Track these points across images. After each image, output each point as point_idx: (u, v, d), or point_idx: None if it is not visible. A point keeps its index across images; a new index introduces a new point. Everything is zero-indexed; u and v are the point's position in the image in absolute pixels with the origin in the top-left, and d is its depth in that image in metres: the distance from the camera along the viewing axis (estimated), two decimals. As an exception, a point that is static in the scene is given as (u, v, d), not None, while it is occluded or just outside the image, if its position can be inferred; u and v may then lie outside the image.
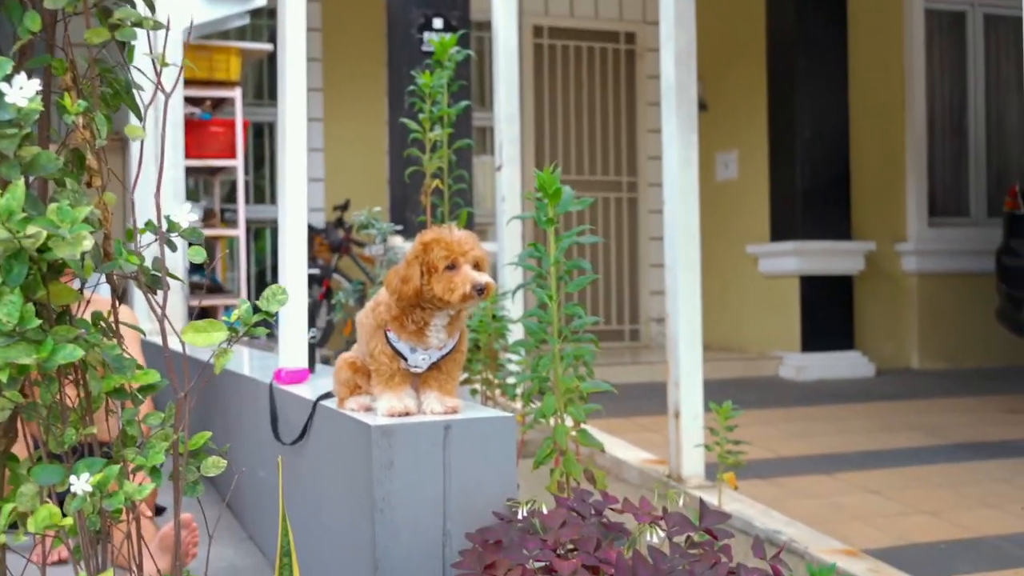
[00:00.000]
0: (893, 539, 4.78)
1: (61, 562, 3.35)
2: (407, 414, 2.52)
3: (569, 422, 2.89)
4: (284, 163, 3.46)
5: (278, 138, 3.51)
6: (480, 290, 2.44)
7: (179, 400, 1.52)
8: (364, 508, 2.47)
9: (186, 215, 1.56)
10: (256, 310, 1.55)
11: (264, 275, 9.63)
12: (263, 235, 9.82)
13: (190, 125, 7.70)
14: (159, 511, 3.92)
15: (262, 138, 9.90)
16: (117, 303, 1.78)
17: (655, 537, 2.29)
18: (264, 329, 1.53)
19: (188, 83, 7.57)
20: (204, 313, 8.38)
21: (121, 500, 1.43)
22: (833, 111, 9.02)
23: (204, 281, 8.04)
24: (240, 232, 8.02)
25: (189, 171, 7.71)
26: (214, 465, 1.59)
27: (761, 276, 9.40)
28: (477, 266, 2.49)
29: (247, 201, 9.59)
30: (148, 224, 1.71)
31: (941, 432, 6.83)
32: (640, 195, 10.42)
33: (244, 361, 4.37)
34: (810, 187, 8.95)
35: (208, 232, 8.04)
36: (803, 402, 7.82)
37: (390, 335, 2.51)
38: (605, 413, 7.16)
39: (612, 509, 2.40)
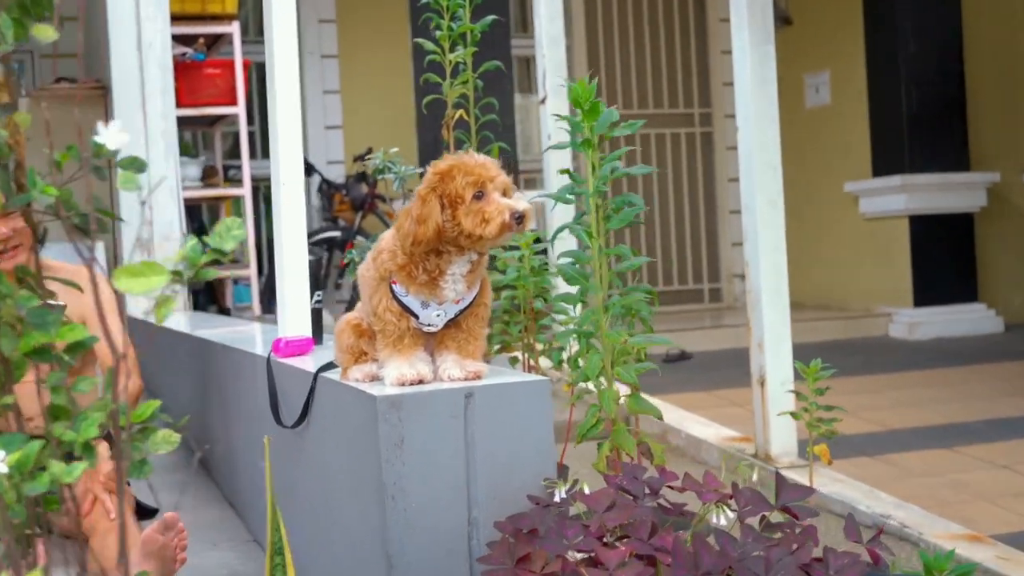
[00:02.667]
0: (1025, 521, 4.66)
1: None
2: (420, 382, 2.43)
3: (624, 389, 2.80)
4: (273, 93, 3.39)
5: (266, 68, 3.44)
6: (519, 218, 2.34)
7: (117, 361, 1.45)
8: (373, 495, 2.40)
9: (116, 135, 1.47)
10: (207, 248, 1.46)
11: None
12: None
13: (181, 68, 7.66)
14: (149, 512, 3.89)
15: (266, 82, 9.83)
16: (39, 251, 1.70)
17: (723, 519, 2.20)
18: (214, 271, 1.45)
19: (177, 19, 7.51)
20: (209, 287, 8.38)
21: (46, 483, 1.36)
22: (943, 19, 8.80)
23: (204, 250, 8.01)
24: (246, 191, 7.99)
25: (183, 121, 7.67)
26: (165, 440, 1.51)
27: (863, 219, 9.23)
28: (504, 193, 2.40)
29: (254, 155, 9.56)
30: (70, 149, 1.63)
31: (1084, 396, 6.67)
32: (716, 129, 10.25)
33: (256, 338, 4.33)
34: (918, 111, 8.75)
35: (209, 192, 8.02)
36: (917, 365, 7.68)
37: (396, 288, 2.43)
38: (682, 385, 7.07)
39: (671, 487, 2.31)
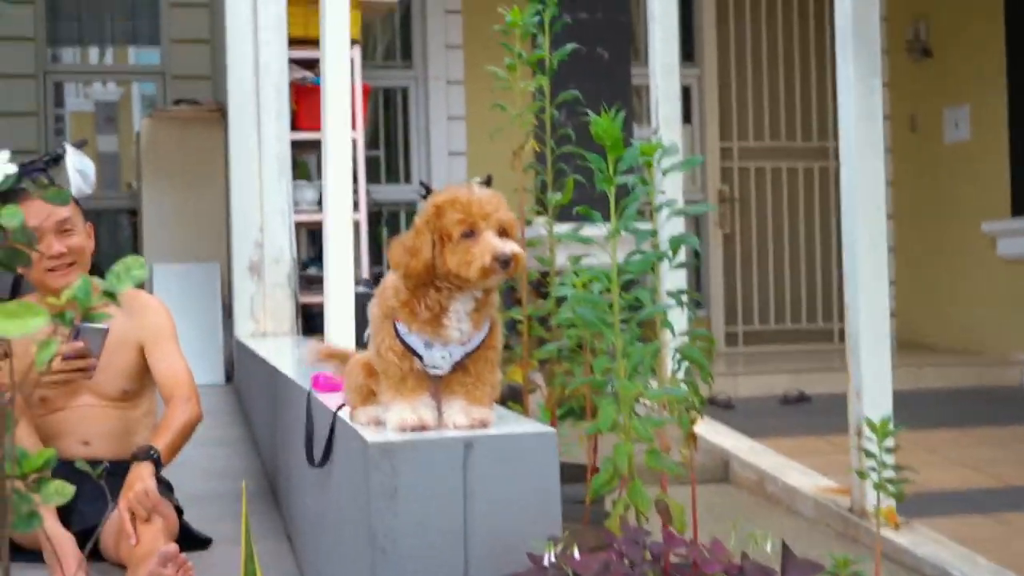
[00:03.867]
0: None
1: None
2: (423, 428, 2.31)
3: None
4: (325, 124, 3.30)
5: (321, 96, 3.36)
6: (505, 262, 2.21)
7: (3, 403, 1.35)
8: (364, 545, 2.27)
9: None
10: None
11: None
12: (397, 219, 9.78)
13: (300, 92, 7.67)
14: (201, 543, 3.83)
15: (392, 107, 9.85)
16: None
17: (726, 592, 2.02)
18: (107, 314, 1.34)
19: (298, 42, 7.53)
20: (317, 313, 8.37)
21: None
22: (1091, 52, 8.40)
23: (322, 274, 8.01)
24: (361, 216, 7.96)
25: (302, 145, 7.68)
26: (57, 492, 1.41)
27: (1000, 261, 8.83)
28: (504, 233, 2.27)
29: (376, 180, 9.57)
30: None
31: None
32: (851, 164, 9.95)
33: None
34: (1061, 148, 8.36)
35: (321, 216, 8.01)
36: (1050, 418, 7.29)
37: (399, 327, 2.31)
38: (796, 429, 6.81)
39: (676, 554, 2.13)
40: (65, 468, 2.96)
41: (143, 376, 3.77)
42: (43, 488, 1.42)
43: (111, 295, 1.36)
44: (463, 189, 2.28)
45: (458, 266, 2.21)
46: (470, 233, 2.23)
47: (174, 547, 3.03)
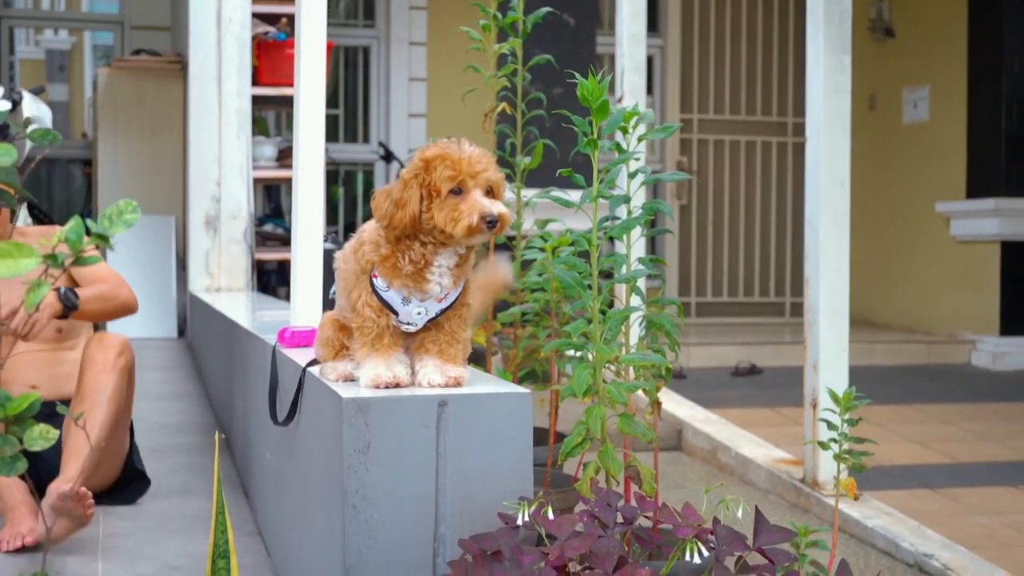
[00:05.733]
0: (1089, 572, 4.40)
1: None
2: (397, 385, 2.30)
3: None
4: (298, 71, 3.27)
5: (295, 51, 3.32)
6: (491, 222, 2.20)
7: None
8: (336, 502, 2.27)
9: (-3, 99, 1.34)
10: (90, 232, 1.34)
11: (354, 228, 9.55)
12: (354, 179, 9.73)
13: (262, 47, 7.58)
14: (141, 475, 3.86)
15: (355, 65, 9.79)
16: None
17: (697, 556, 2.03)
18: (96, 257, 1.33)
19: (259, -4, 7.45)
20: (282, 268, 8.32)
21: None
22: (1051, 37, 8.46)
23: (278, 231, 7.96)
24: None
25: (262, 101, 7.62)
26: (42, 436, 1.39)
27: (954, 241, 8.91)
28: (491, 192, 2.26)
29: (335, 139, 9.51)
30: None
31: None
32: (809, 140, 10.00)
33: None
34: (1018, 131, 8.43)
35: (283, 173, 7.95)
36: (996, 397, 7.39)
37: (377, 283, 2.29)
38: (747, 401, 6.86)
39: (647, 517, 2.14)
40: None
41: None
42: (27, 431, 1.41)
43: (103, 238, 1.34)
44: (453, 145, 2.26)
45: (445, 222, 2.20)
46: (458, 190, 2.22)
47: (82, 491, 3.13)
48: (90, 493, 3.23)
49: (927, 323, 9.22)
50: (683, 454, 5.90)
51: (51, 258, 1.32)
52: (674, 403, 6.25)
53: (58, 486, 3.20)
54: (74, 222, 1.36)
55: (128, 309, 3.75)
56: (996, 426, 6.61)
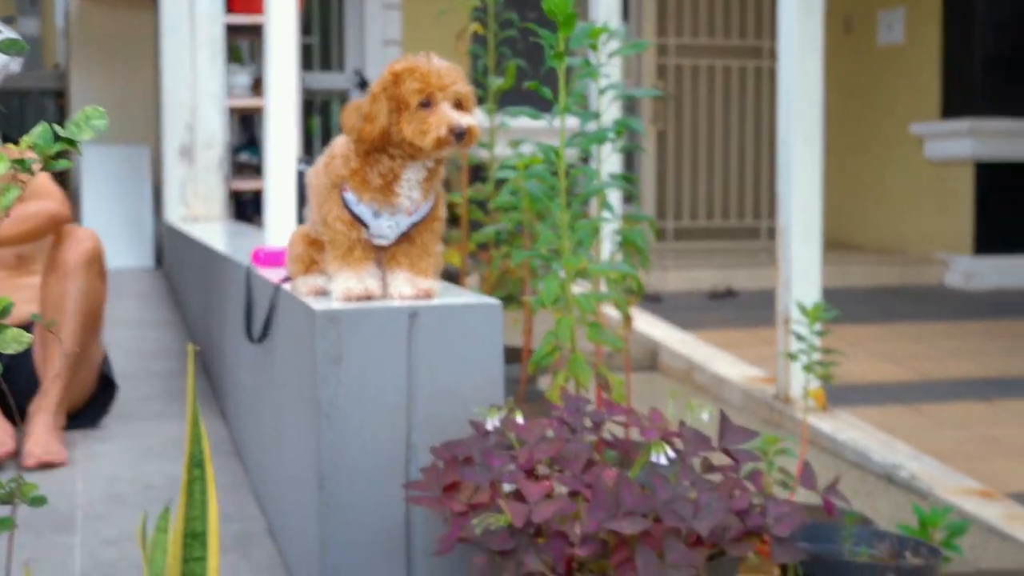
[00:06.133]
0: (1053, 481, 4.49)
1: None
2: (368, 298, 2.33)
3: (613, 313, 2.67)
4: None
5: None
6: (460, 134, 2.23)
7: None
8: (310, 413, 2.31)
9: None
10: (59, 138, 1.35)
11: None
12: (330, 109, 9.70)
13: (234, -26, 7.55)
14: (111, 384, 3.87)
15: (328, -6, 9.73)
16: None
17: (664, 458, 2.07)
18: (67, 162, 1.34)
19: (231, -77, 7.39)
20: (259, 198, 8.31)
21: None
22: (1025, -43, 8.44)
23: (254, 161, 7.95)
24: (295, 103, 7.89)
25: (237, 30, 7.58)
26: (15, 340, 1.42)
27: (928, 162, 8.94)
28: (460, 105, 2.28)
29: (310, 68, 9.47)
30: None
31: None
32: (784, 64, 9.99)
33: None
34: (993, 51, 8.43)
35: (258, 102, 7.93)
36: (969, 315, 7.46)
37: (347, 196, 2.32)
38: (723, 323, 6.92)
39: (615, 422, 2.19)
40: None
41: None
42: (1, 335, 1.43)
43: (71, 143, 1.36)
44: (422, 58, 2.28)
45: (413, 135, 2.22)
46: (427, 103, 2.24)
47: None
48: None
49: (901, 244, 9.28)
50: (659, 375, 5.96)
51: (19, 163, 1.34)
52: (649, 325, 6.30)
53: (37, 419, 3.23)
54: (42, 127, 1.37)
55: (54, 221, 3.62)
56: (967, 344, 6.68)
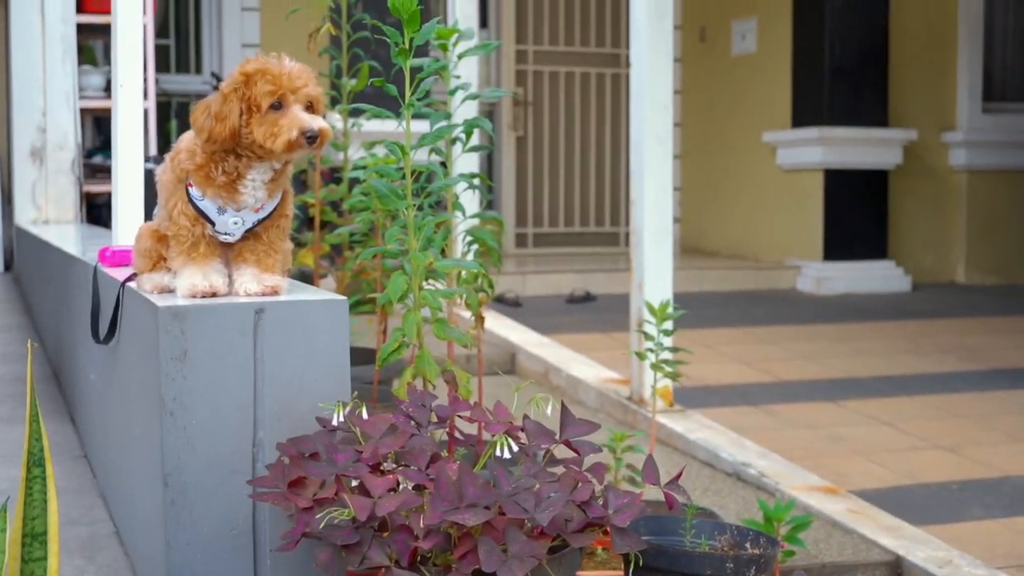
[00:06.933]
0: (897, 477, 4.62)
1: None
2: (213, 294, 2.31)
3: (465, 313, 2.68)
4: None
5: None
6: (312, 138, 2.23)
7: None
8: (154, 411, 2.28)
9: None
10: None
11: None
12: (187, 111, 9.56)
13: (86, -28, 7.42)
14: None
15: (185, -5, 9.61)
16: None
17: (507, 452, 2.10)
18: None
19: (83, -82, 7.26)
20: (111, 203, 8.17)
21: None
22: (871, -30, 8.70)
23: (109, 163, 7.80)
24: (150, 104, 7.78)
25: (89, 29, 7.45)
26: None
27: (780, 170, 9.15)
28: (311, 107, 2.28)
29: (166, 70, 9.34)
30: None
31: (978, 356, 6.65)
32: (642, 72, 10.13)
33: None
34: (840, 63, 8.67)
35: (109, 103, 7.79)
36: (819, 319, 7.65)
37: (192, 192, 2.30)
38: (581, 326, 6.99)
39: (461, 417, 2.21)
40: None
41: None
42: None
43: None
44: (273, 60, 2.27)
45: (264, 137, 2.21)
46: (278, 105, 2.23)
47: None
48: None
49: (755, 250, 9.47)
50: (517, 378, 6.00)
51: None
52: (508, 328, 6.34)
53: None
54: None
55: None
56: (818, 346, 6.85)
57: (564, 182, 10.18)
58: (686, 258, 9.24)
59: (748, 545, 2.58)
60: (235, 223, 2.31)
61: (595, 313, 7.59)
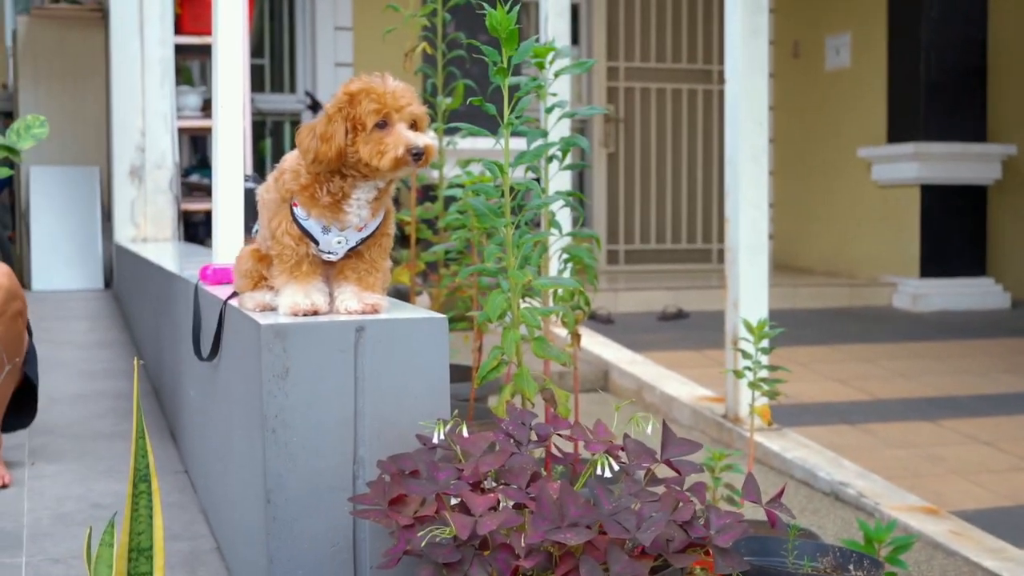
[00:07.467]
0: (998, 498, 4.54)
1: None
2: (315, 313, 2.33)
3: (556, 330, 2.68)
4: (216, 15, 3.27)
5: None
6: (417, 155, 2.24)
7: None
8: (255, 428, 2.30)
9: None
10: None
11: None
12: (281, 130, 9.69)
13: (184, -5, 7.53)
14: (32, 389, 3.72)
15: (280, 15, 9.73)
16: None
17: (608, 470, 2.09)
18: (7, 170, 1.35)
19: (182, -56, 7.39)
20: (209, 219, 8.29)
21: None
22: (968, -16, 8.58)
23: (205, 182, 7.93)
24: (246, 124, 7.87)
25: (186, 50, 7.56)
26: None
27: (875, 185, 9.05)
28: (415, 125, 2.29)
29: (261, 89, 9.47)
30: None
31: (1082, 376, 6.53)
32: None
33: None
34: (937, 78, 8.56)
35: (207, 123, 7.90)
36: (916, 336, 7.55)
37: (297, 211, 2.32)
38: (674, 343, 6.96)
39: (560, 435, 2.20)
40: None
41: None
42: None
43: (13, 151, 1.36)
44: (377, 79, 2.29)
45: (370, 155, 2.22)
46: (383, 124, 2.24)
47: None
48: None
49: (849, 266, 9.37)
50: (609, 395, 5.99)
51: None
52: (601, 345, 6.33)
53: None
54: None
55: None
56: (914, 364, 6.75)
57: (655, 198, 10.16)
58: (779, 274, 9.17)
59: (851, 567, 2.55)
60: (338, 242, 2.33)
61: (687, 330, 7.56)
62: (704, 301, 8.24)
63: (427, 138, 2.27)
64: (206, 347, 2.94)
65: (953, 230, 8.62)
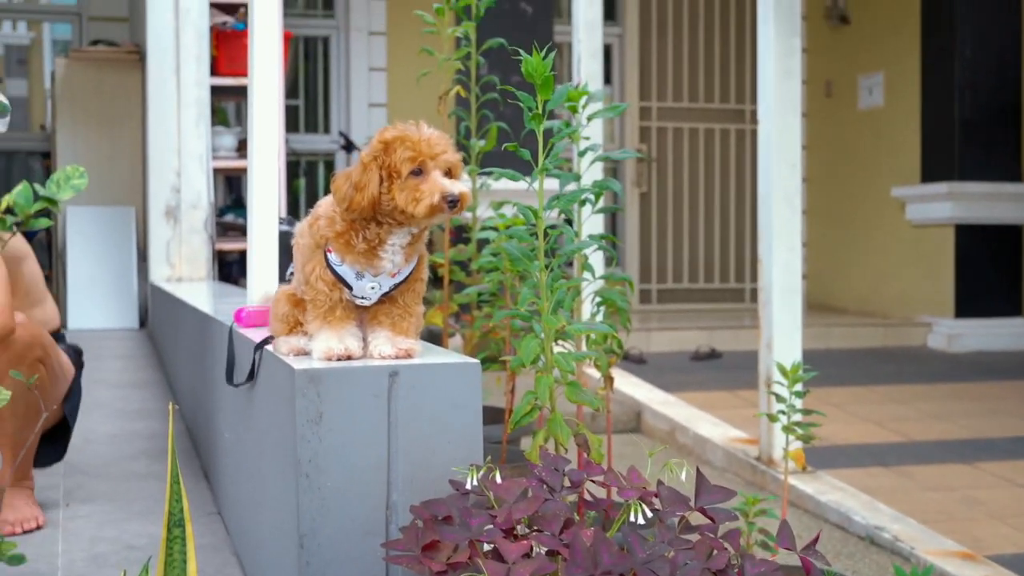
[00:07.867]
0: (1035, 543, 4.49)
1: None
2: (349, 357, 2.34)
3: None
4: (252, 57, 3.31)
5: (248, 27, 3.36)
6: (453, 202, 2.25)
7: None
8: (289, 472, 2.31)
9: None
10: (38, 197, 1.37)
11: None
12: (315, 170, 9.75)
13: (220, 37, 7.61)
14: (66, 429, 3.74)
15: (314, 56, 9.80)
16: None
17: (641, 517, 2.08)
18: (47, 221, 1.36)
19: (219, -13, 7.48)
20: (244, 259, 8.33)
21: None
22: (1002, 24, 8.56)
23: (239, 222, 7.98)
24: (280, 164, 7.93)
25: (221, 91, 7.63)
26: (-4, 396, 1.43)
27: (909, 225, 9.02)
28: (449, 173, 2.31)
29: (295, 129, 9.53)
30: None
31: (1120, 419, 6.46)
32: (767, 127, 10.09)
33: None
34: (971, 117, 8.53)
35: (242, 163, 7.97)
36: (951, 377, 7.49)
37: (331, 257, 2.33)
38: (706, 384, 6.94)
39: (594, 481, 2.20)
40: None
41: None
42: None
43: (52, 202, 1.38)
44: (412, 127, 2.30)
45: (406, 203, 2.24)
46: (418, 171, 2.25)
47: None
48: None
49: (884, 306, 9.33)
50: (642, 436, 5.97)
51: None
52: (633, 386, 6.31)
53: None
54: (22, 186, 1.39)
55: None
56: (950, 406, 6.70)
57: (688, 238, 10.15)
58: (812, 315, 9.13)
59: (886, 615, 2.52)
60: (372, 288, 2.34)
61: (720, 371, 7.53)
62: (737, 341, 8.21)
63: (462, 185, 2.28)
64: (239, 378, 2.95)
65: (988, 270, 8.57)
